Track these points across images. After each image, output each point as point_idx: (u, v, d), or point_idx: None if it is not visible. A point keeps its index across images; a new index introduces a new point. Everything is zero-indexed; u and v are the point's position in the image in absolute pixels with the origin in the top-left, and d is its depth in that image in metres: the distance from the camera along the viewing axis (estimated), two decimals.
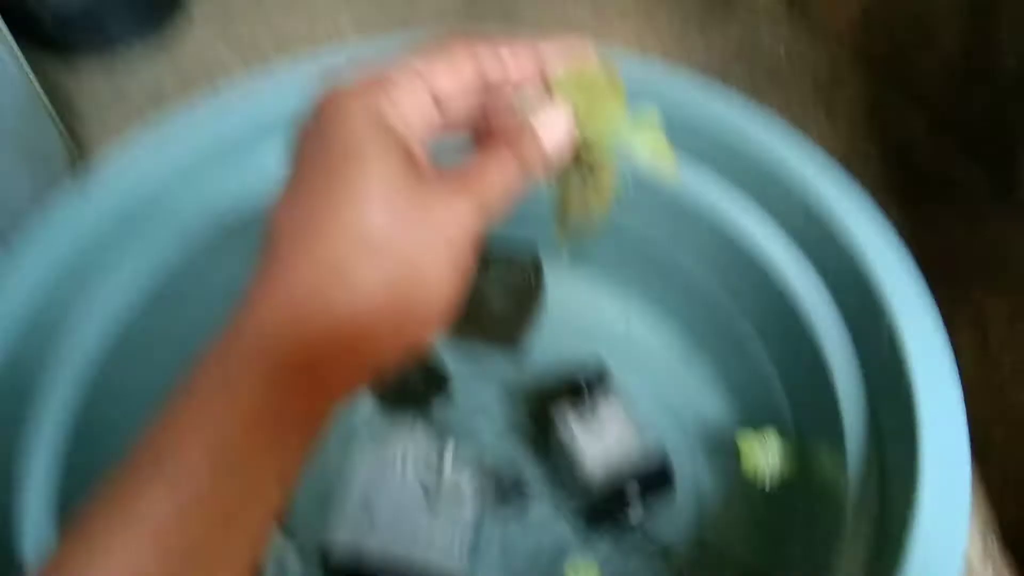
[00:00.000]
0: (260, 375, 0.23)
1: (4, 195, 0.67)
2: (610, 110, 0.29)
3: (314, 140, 0.26)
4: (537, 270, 0.68)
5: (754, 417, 0.61)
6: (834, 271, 0.52)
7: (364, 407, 0.64)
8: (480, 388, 0.66)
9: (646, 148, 0.30)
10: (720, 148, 0.56)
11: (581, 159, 0.30)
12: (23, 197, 0.71)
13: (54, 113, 0.83)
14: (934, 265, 0.50)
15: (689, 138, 0.55)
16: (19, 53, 0.77)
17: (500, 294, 0.66)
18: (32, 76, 0.79)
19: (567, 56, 0.29)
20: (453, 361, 0.66)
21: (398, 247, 0.24)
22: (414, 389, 0.61)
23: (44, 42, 1.03)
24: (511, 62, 0.28)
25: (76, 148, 0.88)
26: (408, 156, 0.25)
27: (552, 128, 0.29)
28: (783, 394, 0.59)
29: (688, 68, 0.97)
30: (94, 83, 1.01)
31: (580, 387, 0.59)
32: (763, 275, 0.56)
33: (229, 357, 0.24)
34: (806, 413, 0.56)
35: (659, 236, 0.63)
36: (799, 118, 0.90)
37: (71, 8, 0.96)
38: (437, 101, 0.27)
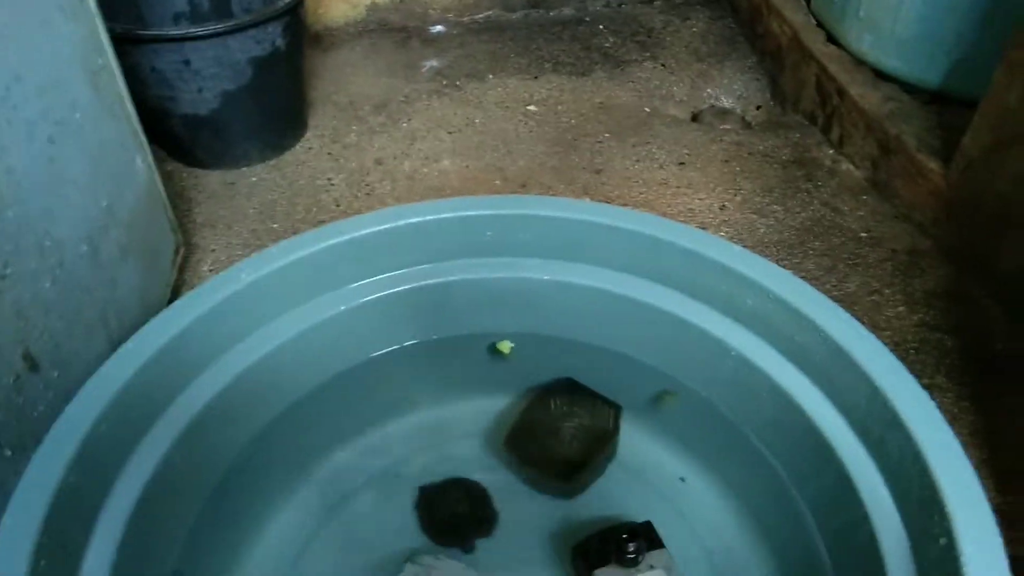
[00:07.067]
0: None
1: (112, 279, 0.72)
2: None
3: None
4: (617, 418, 0.68)
5: None
6: (895, 466, 0.53)
7: (410, 540, 0.64)
8: (526, 530, 0.65)
9: None
10: (796, 337, 0.59)
11: None
12: (129, 284, 0.76)
13: (170, 211, 0.90)
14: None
15: (768, 325, 0.58)
16: (149, 152, 0.84)
17: (575, 433, 0.66)
18: (157, 174, 0.86)
19: None
20: (503, 499, 0.65)
21: None
22: (461, 525, 0.61)
23: (175, 150, 1.14)
24: None
25: (185, 246, 0.94)
26: None
27: None
28: (832, 572, 0.57)
29: (766, 238, 1.00)
30: (212, 189, 1.10)
31: (625, 545, 0.57)
32: (823, 458, 0.57)
33: None
34: None
35: (726, 405, 0.64)
36: (876, 301, 0.91)
37: (200, 116, 1.06)
38: None
